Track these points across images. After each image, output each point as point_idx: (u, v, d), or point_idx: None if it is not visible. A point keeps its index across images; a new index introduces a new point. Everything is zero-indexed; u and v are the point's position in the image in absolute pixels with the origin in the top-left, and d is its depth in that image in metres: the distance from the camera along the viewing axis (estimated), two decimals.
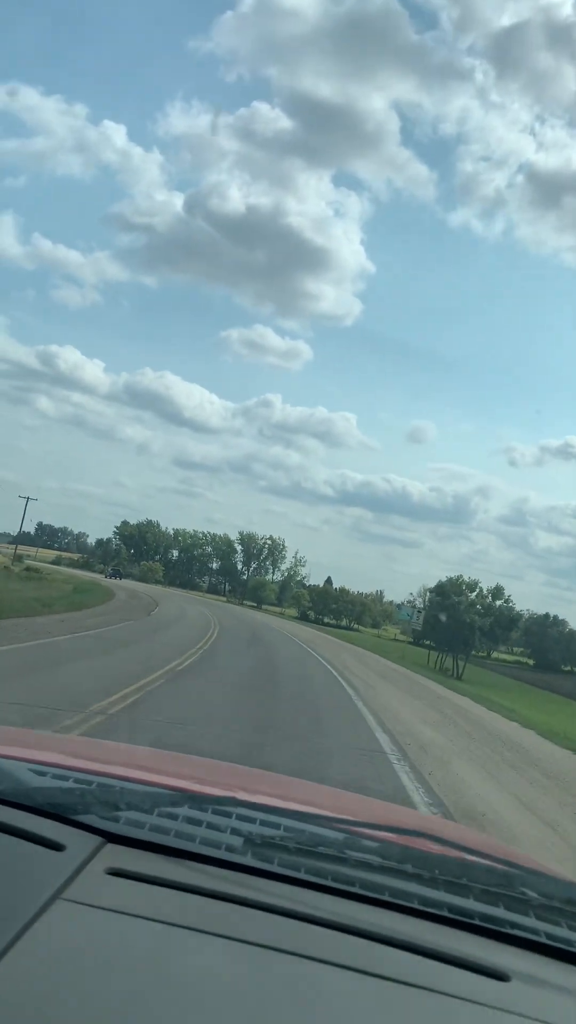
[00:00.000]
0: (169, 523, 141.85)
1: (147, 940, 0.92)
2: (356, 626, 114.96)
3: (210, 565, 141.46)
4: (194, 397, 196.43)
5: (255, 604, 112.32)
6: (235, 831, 1.20)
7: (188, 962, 0.89)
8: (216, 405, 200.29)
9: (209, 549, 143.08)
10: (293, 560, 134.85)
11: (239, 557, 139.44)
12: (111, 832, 1.15)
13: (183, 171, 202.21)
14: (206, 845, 1.15)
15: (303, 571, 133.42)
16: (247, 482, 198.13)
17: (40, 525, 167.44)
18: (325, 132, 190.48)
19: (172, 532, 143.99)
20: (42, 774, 1.34)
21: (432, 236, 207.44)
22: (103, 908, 0.96)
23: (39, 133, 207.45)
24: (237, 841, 1.16)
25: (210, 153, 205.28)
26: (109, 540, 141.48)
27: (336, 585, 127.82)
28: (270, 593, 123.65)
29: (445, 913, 1.08)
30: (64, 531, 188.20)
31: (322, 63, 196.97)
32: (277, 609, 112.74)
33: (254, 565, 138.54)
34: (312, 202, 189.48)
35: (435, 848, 1.31)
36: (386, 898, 1.10)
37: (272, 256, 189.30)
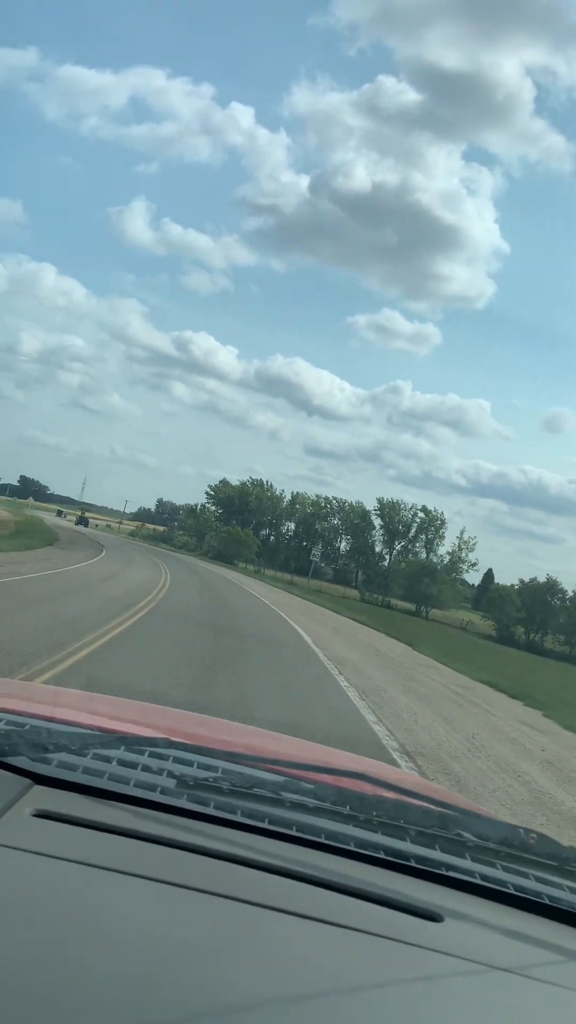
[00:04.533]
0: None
1: (74, 883, 0.90)
2: None
3: (336, 544, 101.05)
4: (324, 384, 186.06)
5: (414, 607, 71.39)
6: (168, 773, 1.18)
7: (116, 905, 0.87)
8: (346, 392, 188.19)
9: (336, 521, 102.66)
10: (457, 541, 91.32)
11: (378, 535, 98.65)
12: (39, 774, 1.12)
13: (309, 151, 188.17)
14: (138, 787, 1.13)
15: (470, 558, 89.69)
16: (377, 471, 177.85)
17: (160, 501, 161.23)
18: (453, 104, 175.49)
19: (289, 496, 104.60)
20: None
21: (571, 212, 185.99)
22: (27, 851, 0.93)
23: (168, 118, 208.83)
24: (170, 783, 1.15)
25: (335, 131, 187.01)
26: (203, 507, 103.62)
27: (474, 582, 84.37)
28: (440, 589, 77.62)
29: (381, 855, 1.09)
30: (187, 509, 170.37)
31: (447, 30, 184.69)
32: (440, 613, 71.31)
33: (399, 545, 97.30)
34: (442, 178, 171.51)
35: (372, 789, 1.27)
36: (322, 840, 1.09)
37: (400, 236, 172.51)
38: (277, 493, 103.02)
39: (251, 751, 1.57)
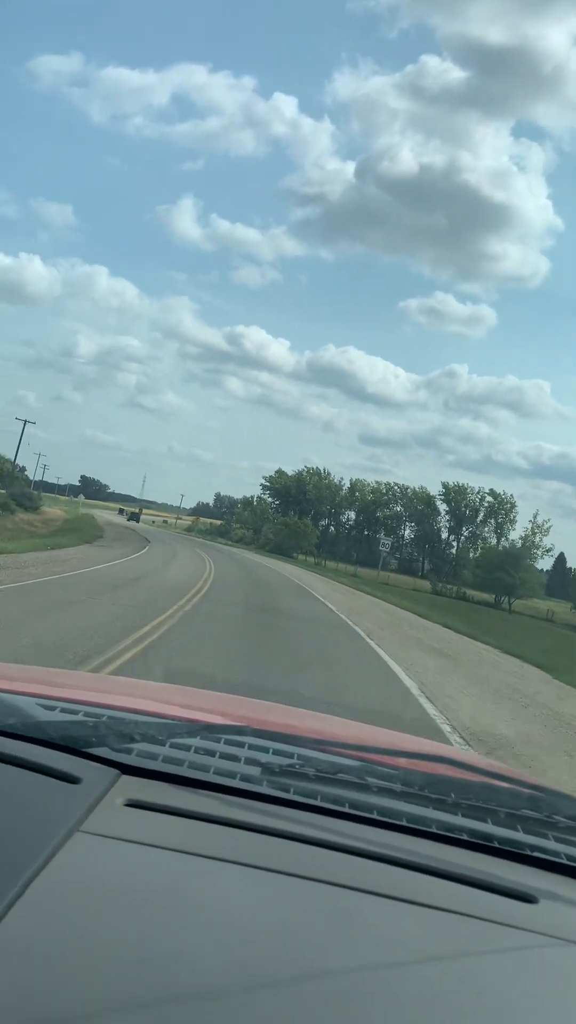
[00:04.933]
0: None
1: (168, 870, 0.92)
2: None
3: (400, 531, 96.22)
4: (377, 371, 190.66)
5: (494, 598, 65.99)
6: (251, 760, 1.20)
7: (209, 890, 0.89)
8: (401, 378, 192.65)
9: (399, 508, 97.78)
10: (529, 525, 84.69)
11: (443, 521, 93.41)
12: (126, 764, 1.14)
13: (353, 137, 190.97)
14: (222, 775, 1.15)
15: (544, 543, 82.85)
16: (435, 457, 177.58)
17: (218, 496, 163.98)
18: (500, 79, 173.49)
19: (347, 484, 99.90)
20: (51, 708, 1.32)
21: None
22: (123, 839, 0.95)
23: (211, 113, 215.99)
24: (254, 770, 1.16)
25: (379, 115, 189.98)
26: (259, 499, 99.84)
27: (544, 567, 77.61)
28: (523, 577, 68.33)
29: (465, 837, 1.09)
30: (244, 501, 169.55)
31: (490, 4, 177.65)
32: (520, 603, 66.05)
33: (466, 531, 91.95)
34: (490, 157, 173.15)
35: (456, 772, 1.28)
36: (404, 823, 1.09)
37: (450, 218, 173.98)
38: (335, 481, 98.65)
39: (328, 737, 1.57)
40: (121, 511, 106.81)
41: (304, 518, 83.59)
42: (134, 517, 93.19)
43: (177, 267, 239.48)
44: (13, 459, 73.32)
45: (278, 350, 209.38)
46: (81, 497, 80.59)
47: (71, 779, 1.06)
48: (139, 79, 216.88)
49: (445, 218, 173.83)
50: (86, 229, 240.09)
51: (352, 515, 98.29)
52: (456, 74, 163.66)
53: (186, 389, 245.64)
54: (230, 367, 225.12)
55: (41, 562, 17.89)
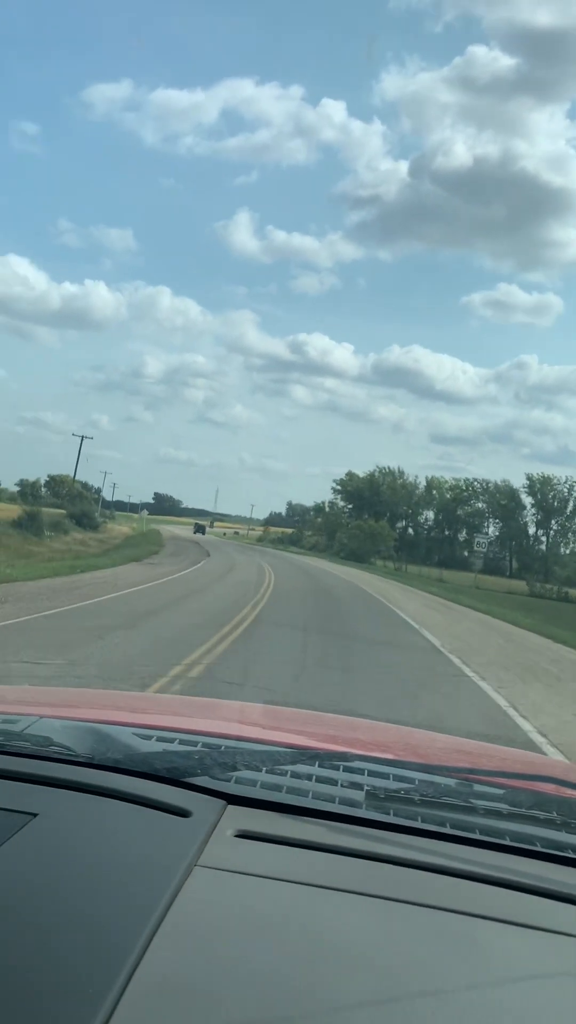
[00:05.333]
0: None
1: (286, 901, 0.91)
2: None
3: (484, 530, 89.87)
4: (444, 368, 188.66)
5: None
6: (353, 784, 1.20)
7: (332, 921, 0.88)
8: (469, 374, 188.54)
9: (481, 505, 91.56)
10: None
11: (529, 515, 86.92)
12: (231, 794, 1.14)
13: (404, 135, 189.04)
14: (324, 800, 1.15)
15: None
16: (510, 451, 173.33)
17: (290, 505, 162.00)
18: (551, 63, 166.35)
19: (423, 483, 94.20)
20: (147, 738, 1.33)
21: None
22: (238, 872, 0.95)
23: (261, 125, 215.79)
24: (357, 795, 1.16)
25: (430, 111, 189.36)
26: (332, 504, 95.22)
27: None
28: None
29: (570, 854, 1.08)
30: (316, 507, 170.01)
31: None
32: None
33: (556, 525, 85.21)
34: (546, 142, 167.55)
35: (555, 790, 1.28)
36: (508, 842, 1.09)
37: (509, 207, 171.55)
38: (410, 480, 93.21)
39: (426, 759, 1.63)
40: (198, 526, 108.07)
41: (380, 520, 77.90)
42: (200, 530, 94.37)
43: (237, 281, 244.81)
44: (73, 476, 71.78)
45: (342, 355, 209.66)
46: (144, 513, 78.83)
47: (182, 812, 1.06)
48: (188, 98, 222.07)
49: (504, 208, 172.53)
50: (147, 251, 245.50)
51: (430, 515, 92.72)
52: (505, 62, 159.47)
53: (253, 401, 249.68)
54: (295, 375, 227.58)
55: (45, 592, 13.90)
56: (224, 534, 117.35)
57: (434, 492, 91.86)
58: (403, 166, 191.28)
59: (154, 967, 0.75)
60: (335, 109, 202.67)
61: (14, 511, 40.24)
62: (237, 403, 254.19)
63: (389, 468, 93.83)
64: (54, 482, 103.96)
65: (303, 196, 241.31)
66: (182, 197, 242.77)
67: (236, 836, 1.03)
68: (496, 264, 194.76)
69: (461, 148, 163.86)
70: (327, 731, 1.88)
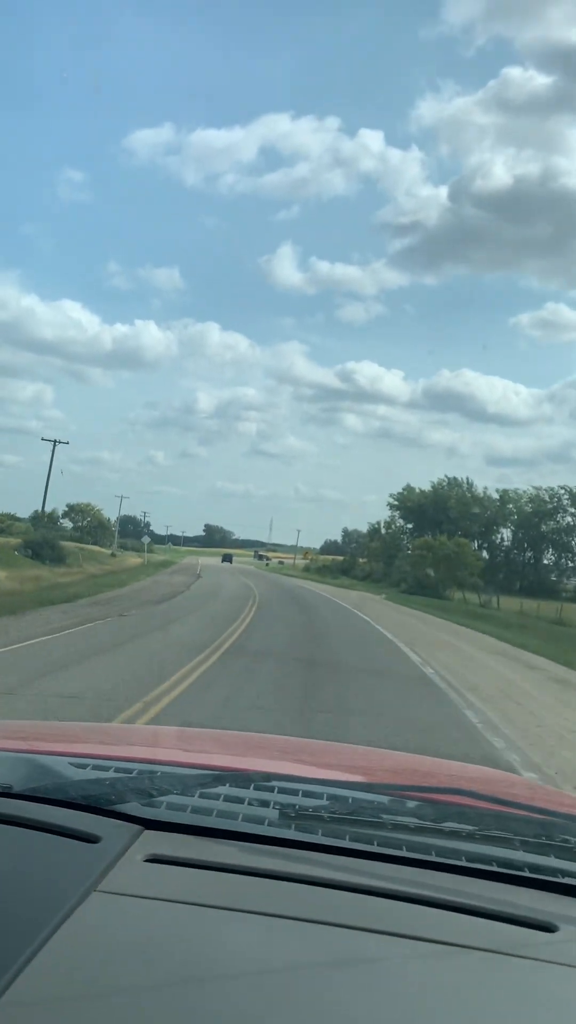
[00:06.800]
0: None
1: (189, 924, 0.92)
2: None
3: (572, 541, 74.16)
4: (496, 390, 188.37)
5: None
6: (273, 805, 1.21)
7: (231, 943, 0.88)
8: (522, 395, 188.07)
9: (570, 518, 75.97)
10: None
11: None
12: (147, 819, 1.15)
13: (443, 160, 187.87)
14: (244, 822, 1.16)
15: None
16: (569, 471, 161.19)
17: (346, 531, 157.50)
18: None
19: (495, 496, 78.84)
20: (82, 767, 1.35)
21: None
22: (141, 896, 0.95)
23: (300, 159, 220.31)
24: (275, 815, 1.17)
25: (467, 135, 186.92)
26: (389, 523, 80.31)
27: None
28: None
29: (493, 868, 1.09)
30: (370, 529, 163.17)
31: (569, 3, 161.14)
32: None
33: None
34: None
35: (472, 803, 1.30)
36: (432, 858, 1.10)
37: (554, 225, 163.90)
38: (480, 494, 78.05)
39: (351, 774, 1.65)
40: (226, 556, 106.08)
41: (454, 535, 60.20)
42: (227, 558, 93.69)
43: (284, 313, 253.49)
44: (43, 498, 61.27)
45: (392, 381, 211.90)
46: (146, 540, 68.63)
47: (90, 838, 1.07)
48: (226, 137, 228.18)
49: (548, 226, 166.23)
50: (194, 289, 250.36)
51: (507, 533, 77.50)
52: (541, 80, 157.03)
53: (305, 431, 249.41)
54: (346, 404, 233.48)
55: None
56: (267, 564, 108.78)
57: (511, 507, 76.78)
58: (443, 191, 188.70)
59: (30, 988, 0.74)
60: (373, 138, 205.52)
61: None
62: (290, 434, 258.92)
63: (455, 478, 78.90)
64: (72, 511, 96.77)
65: (344, 226, 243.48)
66: (225, 234, 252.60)
67: (147, 860, 1.03)
68: (543, 283, 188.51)
69: (501, 169, 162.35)
70: (257, 751, 1.89)
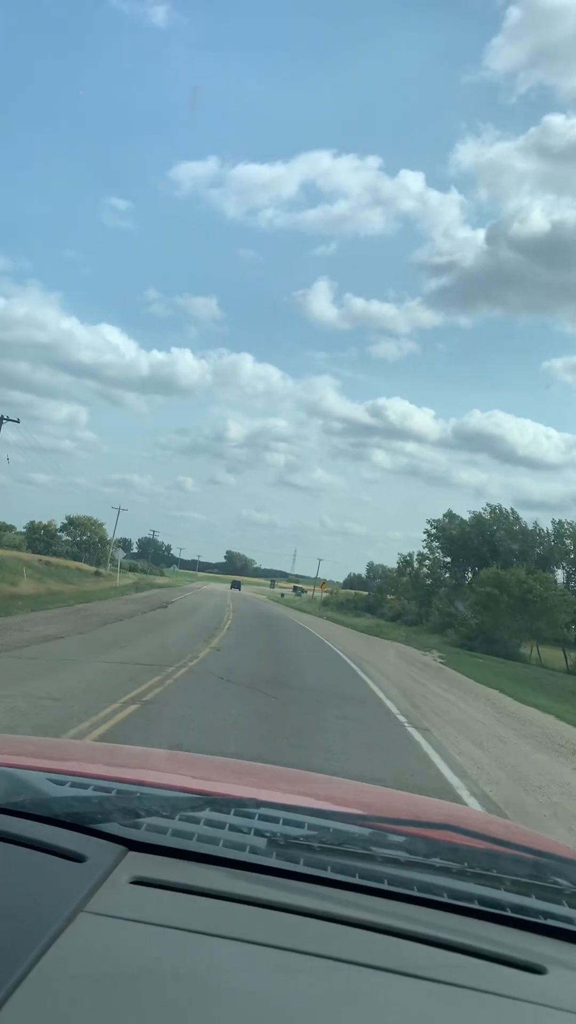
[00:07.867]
0: None
1: (174, 950, 0.90)
2: None
3: None
4: (527, 433, 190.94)
5: None
6: (258, 832, 1.19)
7: (215, 971, 0.88)
8: (553, 439, 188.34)
9: None
10: None
11: None
12: (133, 840, 1.14)
13: (482, 204, 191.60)
14: (229, 848, 1.14)
15: None
16: None
17: (371, 566, 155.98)
18: None
19: (549, 528, 67.61)
20: (61, 783, 1.33)
21: None
22: (127, 919, 0.94)
23: (340, 196, 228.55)
24: (260, 843, 1.15)
25: (507, 179, 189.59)
26: (426, 555, 69.08)
27: None
28: None
29: (476, 906, 1.07)
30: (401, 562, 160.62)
31: None
32: None
33: None
34: None
35: (462, 840, 1.28)
36: (415, 893, 1.08)
37: None
38: (528, 527, 66.81)
39: (338, 805, 1.62)
40: (235, 583, 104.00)
41: (501, 566, 46.36)
42: (236, 586, 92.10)
43: (317, 347, 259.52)
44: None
45: (422, 419, 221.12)
46: (120, 554, 60.18)
47: (76, 857, 1.05)
48: (268, 172, 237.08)
49: None
50: (230, 320, 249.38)
51: (560, 573, 66.05)
52: None
53: (334, 464, 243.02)
54: (375, 440, 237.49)
55: None
56: (283, 595, 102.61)
57: (568, 541, 65.63)
58: (480, 233, 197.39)
59: (18, 1011, 0.73)
60: (413, 179, 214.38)
61: None
62: (317, 466, 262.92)
63: (500, 508, 67.99)
64: (72, 524, 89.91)
65: (381, 264, 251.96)
66: (263, 268, 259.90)
67: (132, 882, 1.02)
68: None
69: (539, 215, 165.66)
70: (233, 778, 1.85)
